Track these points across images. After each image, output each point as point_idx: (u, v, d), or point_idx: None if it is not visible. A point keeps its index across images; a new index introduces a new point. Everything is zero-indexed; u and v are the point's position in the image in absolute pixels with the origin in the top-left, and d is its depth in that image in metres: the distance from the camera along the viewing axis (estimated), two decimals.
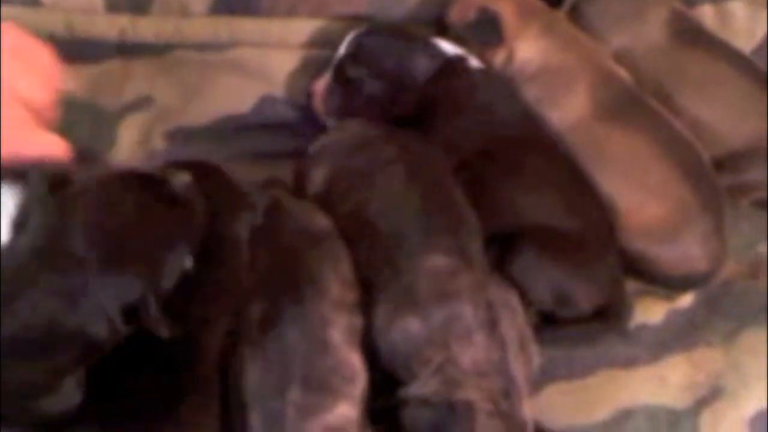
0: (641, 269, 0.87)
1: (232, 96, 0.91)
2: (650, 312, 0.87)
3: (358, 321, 0.74)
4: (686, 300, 0.89)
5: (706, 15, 1.03)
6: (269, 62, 0.91)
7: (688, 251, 0.87)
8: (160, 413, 0.67)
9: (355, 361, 0.71)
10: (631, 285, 0.90)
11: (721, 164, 0.91)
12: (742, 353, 0.86)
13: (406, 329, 0.74)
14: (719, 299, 0.91)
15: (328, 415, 0.68)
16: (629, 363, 0.83)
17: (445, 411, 0.72)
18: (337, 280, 0.74)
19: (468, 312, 0.74)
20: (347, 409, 0.69)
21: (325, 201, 0.80)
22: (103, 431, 0.68)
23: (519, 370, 0.74)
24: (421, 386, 0.73)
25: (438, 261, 0.75)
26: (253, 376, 0.70)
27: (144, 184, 0.64)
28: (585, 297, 0.82)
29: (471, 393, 0.71)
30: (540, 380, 0.77)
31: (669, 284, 0.89)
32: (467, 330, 0.73)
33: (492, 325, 0.74)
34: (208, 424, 0.68)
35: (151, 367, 0.66)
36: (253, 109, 0.92)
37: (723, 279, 0.92)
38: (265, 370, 0.71)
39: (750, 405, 0.82)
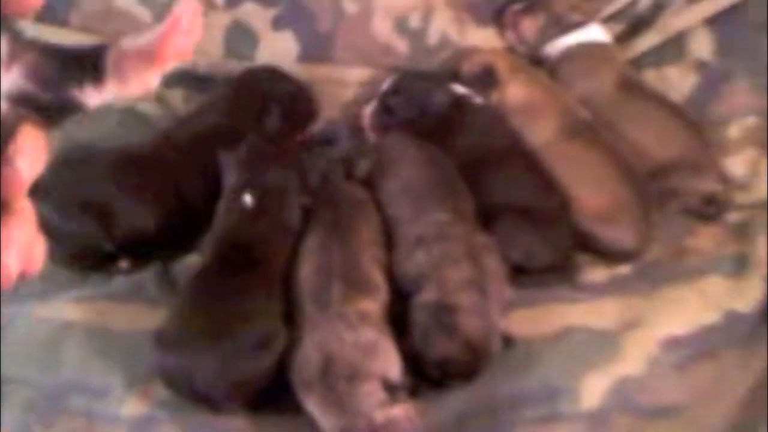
0: (589, 244, 1.17)
1: None
2: (595, 274, 1.17)
3: (381, 254, 1.10)
4: (624, 268, 1.18)
5: (649, 76, 1.35)
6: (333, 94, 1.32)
7: (622, 232, 1.18)
8: (236, 302, 1.02)
9: (377, 277, 1.06)
10: (582, 257, 1.20)
11: (652, 174, 1.22)
12: (661, 298, 1.12)
13: (415, 260, 1.10)
14: (649, 269, 1.18)
15: (359, 304, 1.03)
16: (574, 301, 1.11)
17: (440, 310, 1.07)
18: (368, 227, 1.11)
19: (459, 248, 1.09)
20: (372, 305, 1.04)
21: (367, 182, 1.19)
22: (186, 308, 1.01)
23: (495, 290, 1.09)
24: (424, 295, 1.08)
25: (441, 216, 1.11)
26: (308, 275, 1.07)
27: None
28: (545, 255, 1.17)
29: (457, 298, 1.06)
30: (507, 308, 1.08)
31: (608, 256, 1.18)
32: (457, 259, 1.08)
33: (475, 258, 1.10)
34: (272, 312, 1.02)
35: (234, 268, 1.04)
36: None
37: (653, 258, 1.19)
38: (317, 273, 1.09)
39: (662, 331, 1.09)
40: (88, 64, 0.46)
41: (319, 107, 1.27)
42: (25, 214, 0.44)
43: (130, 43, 0.46)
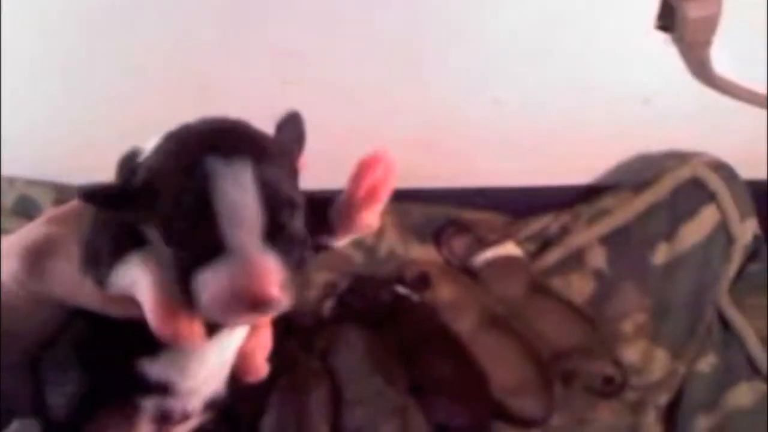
0: (502, 412, 1.38)
1: None
2: None
3: (328, 411, 1.31)
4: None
5: (556, 282, 1.58)
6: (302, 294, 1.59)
7: (528, 402, 1.39)
8: None
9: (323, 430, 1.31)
10: (496, 423, 1.39)
11: (555, 358, 1.45)
12: None
13: (355, 415, 1.30)
14: None
15: None
16: None
17: None
18: (319, 390, 1.35)
19: (390, 406, 1.32)
20: None
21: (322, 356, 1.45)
22: None
23: None
24: None
25: (378, 381, 1.35)
26: (270, 425, 1.31)
27: None
28: (464, 417, 1.37)
29: None
30: None
31: (519, 423, 1.38)
32: (388, 416, 1.29)
33: (404, 415, 1.33)
34: None
35: None
36: None
37: (557, 425, 1.39)
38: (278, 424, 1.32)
39: None
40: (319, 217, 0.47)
41: None
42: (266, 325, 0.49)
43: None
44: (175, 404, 0.47)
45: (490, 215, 1.70)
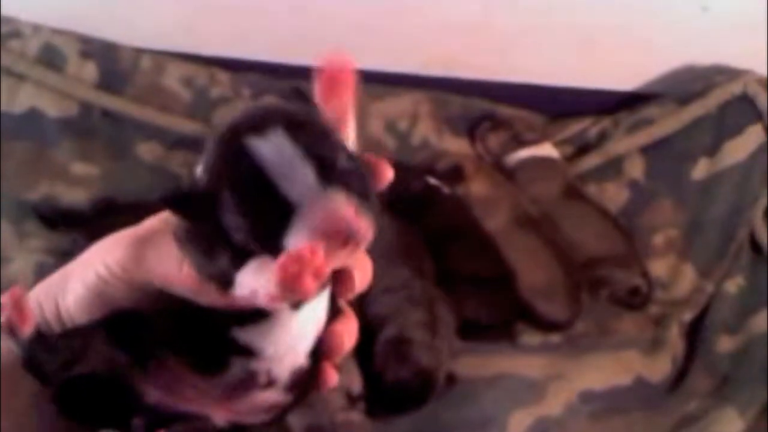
0: (527, 314, 1.36)
1: None
2: (530, 338, 1.36)
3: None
4: (555, 337, 1.37)
5: (590, 189, 1.54)
6: None
7: (555, 306, 1.37)
8: None
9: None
10: (520, 325, 1.37)
11: (584, 264, 1.42)
12: (583, 360, 1.31)
13: (382, 304, 1.28)
14: (576, 339, 1.37)
15: None
16: (510, 355, 1.31)
17: (398, 343, 1.28)
18: None
19: (417, 297, 1.29)
20: None
21: None
22: None
23: (445, 335, 1.30)
24: (386, 331, 1.25)
25: (405, 272, 1.31)
26: None
27: None
28: (490, 315, 1.38)
29: (413, 334, 1.27)
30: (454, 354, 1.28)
31: (543, 327, 1.37)
32: (415, 305, 1.27)
33: (431, 307, 1.31)
34: None
35: None
36: None
37: (580, 332, 1.38)
38: None
39: (580, 384, 1.28)
40: None
41: None
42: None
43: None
44: (259, 366, 0.52)
45: (528, 113, 1.64)
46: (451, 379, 1.26)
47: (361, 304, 1.24)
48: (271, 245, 0.46)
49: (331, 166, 0.46)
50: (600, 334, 1.42)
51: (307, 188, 0.46)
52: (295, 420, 1.15)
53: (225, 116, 1.47)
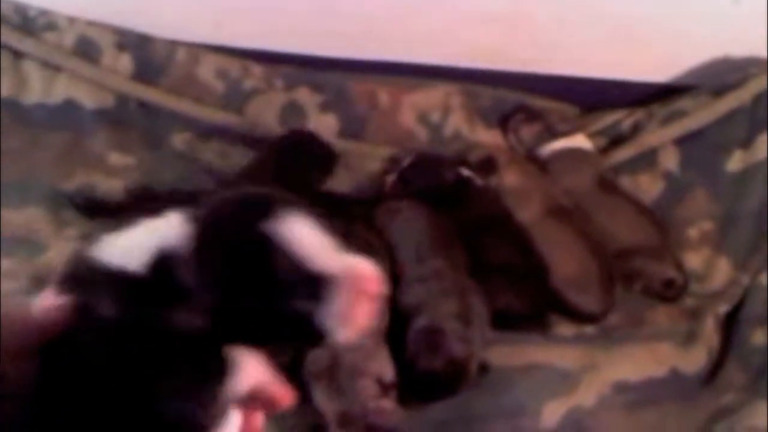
0: (560, 306, 1.35)
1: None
2: (563, 329, 1.35)
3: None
4: (589, 329, 1.36)
5: (624, 181, 1.53)
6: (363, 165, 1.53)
7: (588, 297, 1.35)
8: None
9: None
10: (553, 316, 1.37)
11: (618, 256, 1.40)
12: (617, 352, 1.31)
13: (415, 294, 1.27)
14: (610, 331, 1.35)
15: None
16: (543, 345, 1.31)
17: (430, 333, 1.27)
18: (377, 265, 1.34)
19: (450, 287, 1.29)
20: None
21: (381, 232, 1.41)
22: None
23: (477, 325, 1.30)
24: (419, 321, 1.25)
25: (438, 263, 1.31)
26: None
27: None
28: (522, 306, 1.36)
29: (445, 324, 1.27)
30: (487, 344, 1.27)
31: (575, 317, 1.36)
32: (448, 295, 1.26)
33: (464, 297, 1.31)
34: None
35: None
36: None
37: (614, 323, 1.37)
38: None
39: (614, 375, 1.28)
40: None
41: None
42: None
43: None
44: None
45: (561, 105, 1.63)
46: (484, 368, 1.26)
47: (393, 294, 1.26)
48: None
49: (341, 230, 0.52)
50: (634, 325, 1.40)
51: (334, 257, 0.50)
52: (327, 407, 1.16)
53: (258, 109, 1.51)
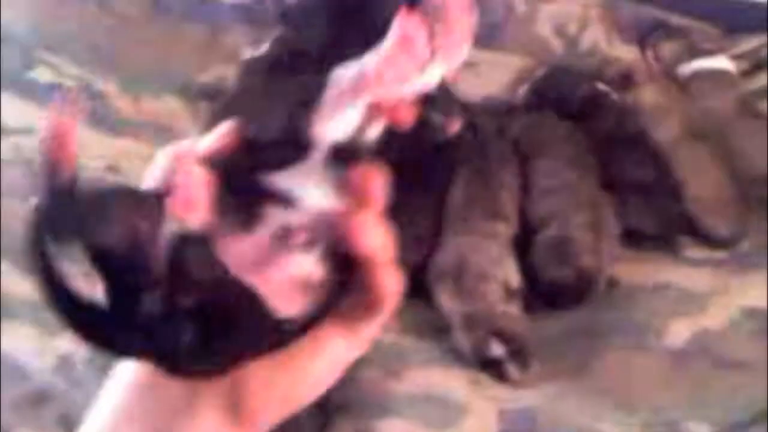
0: (693, 228, 1.31)
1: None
2: (694, 252, 1.32)
3: (515, 196, 1.28)
4: (720, 253, 1.32)
5: (762, 107, 1.46)
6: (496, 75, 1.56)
7: (722, 221, 1.32)
8: None
9: (509, 211, 1.25)
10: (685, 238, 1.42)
11: (754, 182, 1.36)
12: (748, 277, 1.26)
13: (546, 204, 1.28)
14: (742, 257, 1.31)
15: (493, 226, 1.24)
16: (673, 266, 1.29)
17: (560, 243, 1.26)
18: (507, 176, 1.30)
19: (582, 199, 1.27)
20: (503, 229, 1.23)
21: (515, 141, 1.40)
22: None
23: (608, 238, 1.28)
24: (549, 231, 1.24)
25: (571, 175, 1.29)
26: (457, 198, 1.26)
27: None
28: (655, 225, 1.31)
29: (576, 235, 1.23)
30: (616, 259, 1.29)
31: (707, 241, 1.32)
32: (580, 206, 1.25)
33: (595, 209, 1.26)
34: None
35: None
36: None
37: (747, 249, 1.31)
38: (464, 198, 1.26)
39: (745, 300, 1.23)
40: None
41: None
42: None
43: None
44: (296, 222, 0.45)
45: (702, 25, 1.57)
46: (612, 283, 1.24)
47: (524, 202, 1.25)
48: None
49: None
50: (766, 254, 1.36)
51: None
52: (452, 308, 1.17)
53: None
